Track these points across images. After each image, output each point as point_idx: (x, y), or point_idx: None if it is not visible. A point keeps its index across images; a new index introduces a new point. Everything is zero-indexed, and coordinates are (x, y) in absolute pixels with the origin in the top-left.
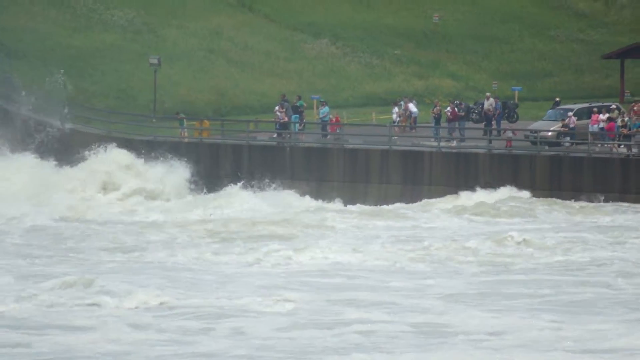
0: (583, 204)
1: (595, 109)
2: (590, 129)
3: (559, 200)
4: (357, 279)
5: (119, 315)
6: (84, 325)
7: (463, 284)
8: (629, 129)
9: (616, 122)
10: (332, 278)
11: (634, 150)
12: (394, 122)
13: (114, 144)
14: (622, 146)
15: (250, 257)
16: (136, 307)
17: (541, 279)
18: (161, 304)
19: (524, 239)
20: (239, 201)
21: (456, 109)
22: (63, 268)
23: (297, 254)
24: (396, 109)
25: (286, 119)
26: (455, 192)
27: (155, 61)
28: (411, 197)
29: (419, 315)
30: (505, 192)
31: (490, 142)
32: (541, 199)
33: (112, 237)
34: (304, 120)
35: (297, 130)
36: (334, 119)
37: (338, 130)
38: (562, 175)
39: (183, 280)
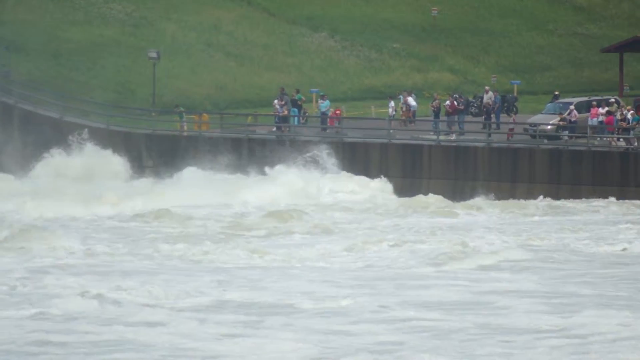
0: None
1: (594, 103)
2: (589, 123)
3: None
4: (417, 273)
5: (187, 311)
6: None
7: (533, 280)
8: (628, 123)
9: (615, 115)
10: (392, 272)
11: (634, 143)
12: (390, 116)
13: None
14: (621, 140)
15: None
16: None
17: (610, 273)
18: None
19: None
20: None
21: (455, 102)
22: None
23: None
24: (392, 103)
25: (286, 112)
26: (453, 187)
27: (154, 55)
28: (411, 190)
29: (483, 314)
30: None
31: (489, 135)
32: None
33: None
34: (306, 114)
35: (297, 123)
36: (337, 112)
37: (336, 124)
38: (562, 169)
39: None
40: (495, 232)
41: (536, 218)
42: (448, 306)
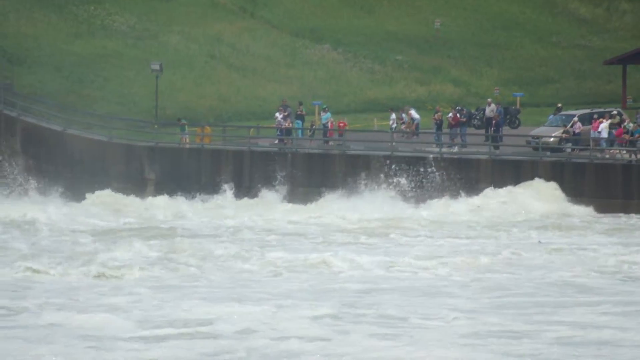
0: None
1: (595, 115)
2: (592, 135)
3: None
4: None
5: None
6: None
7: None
8: (631, 135)
9: (616, 128)
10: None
11: (638, 156)
12: (391, 128)
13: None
14: (625, 152)
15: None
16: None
17: None
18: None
19: None
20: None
21: (458, 114)
22: None
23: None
24: (393, 116)
25: (290, 124)
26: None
27: (156, 67)
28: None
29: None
30: None
31: (497, 148)
32: None
33: None
34: (314, 127)
35: (301, 135)
36: (340, 125)
37: (336, 136)
38: (564, 181)
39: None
40: None
41: None
42: None
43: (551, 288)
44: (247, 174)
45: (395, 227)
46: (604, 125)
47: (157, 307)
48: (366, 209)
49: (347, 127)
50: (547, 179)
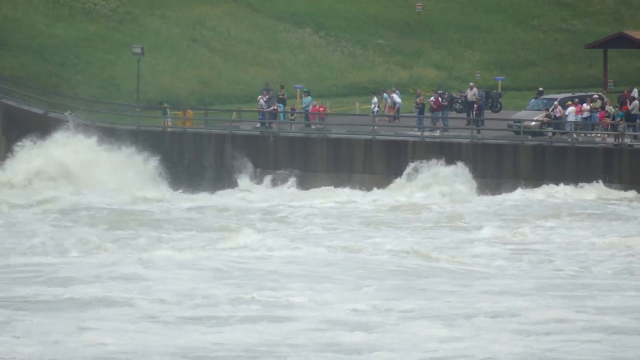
0: None
1: (574, 100)
2: (568, 119)
3: None
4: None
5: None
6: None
7: None
8: (613, 119)
9: (598, 111)
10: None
11: (618, 139)
12: (373, 112)
13: None
14: (607, 136)
15: None
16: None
17: None
18: None
19: None
20: None
21: (440, 98)
22: None
23: None
24: (375, 99)
25: (276, 107)
26: None
27: (138, 50)
28: None
29: None
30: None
31: (478, 132)
32: None
33: None
34: (295, 111)
35: (283, 119)
36: (320, 108)
37: (318, 120)
38: (546, 165)
39: None
40: None
41: None
42: None
43: None
44: (229, 157)
45: None
46: (570, 109)
47: (222, 289)
48: None
49: (326, 111)
50: (528, 162)
